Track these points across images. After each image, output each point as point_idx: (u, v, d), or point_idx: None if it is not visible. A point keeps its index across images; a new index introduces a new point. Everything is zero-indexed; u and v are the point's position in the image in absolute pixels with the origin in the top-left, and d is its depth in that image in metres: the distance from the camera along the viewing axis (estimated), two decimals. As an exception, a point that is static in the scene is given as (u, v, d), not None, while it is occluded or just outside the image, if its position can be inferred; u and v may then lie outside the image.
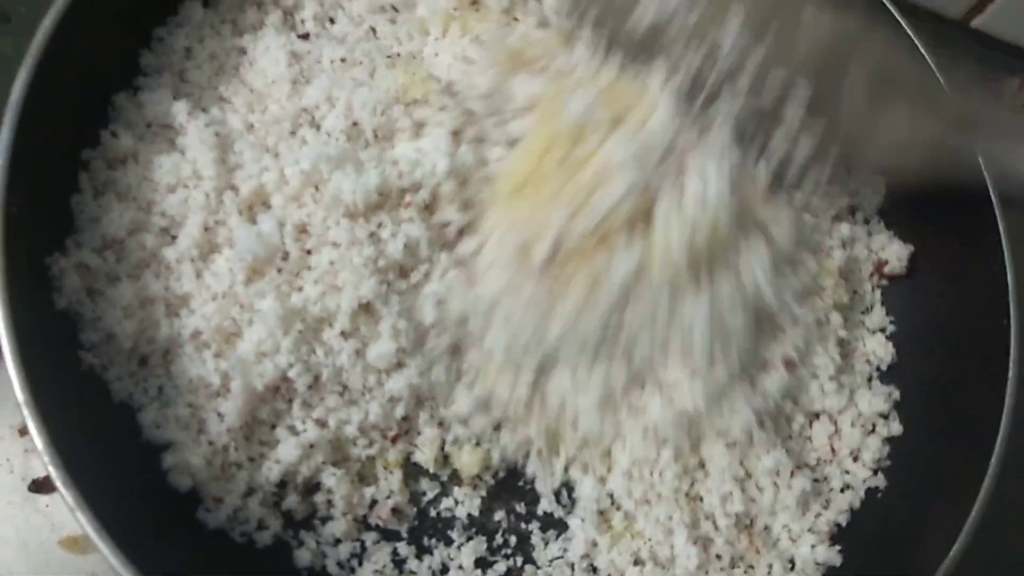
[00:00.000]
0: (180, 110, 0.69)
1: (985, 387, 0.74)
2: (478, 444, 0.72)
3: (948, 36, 1.24)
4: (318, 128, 0.72)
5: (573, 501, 0.74)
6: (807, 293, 0.77)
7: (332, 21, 0.78)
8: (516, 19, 0.79)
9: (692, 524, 0.72)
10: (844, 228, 0.83)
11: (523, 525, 0.73)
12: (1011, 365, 0.72)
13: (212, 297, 0.66)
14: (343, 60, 0.75)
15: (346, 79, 0.73)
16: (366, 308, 0.68)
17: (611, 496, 0.73)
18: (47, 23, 0.62)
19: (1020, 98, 1.30)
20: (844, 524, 0.76)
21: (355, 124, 0.71)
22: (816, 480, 0.77)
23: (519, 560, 0.72)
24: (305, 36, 0.77)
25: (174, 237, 0.67)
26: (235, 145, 0.69)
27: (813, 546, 0.74)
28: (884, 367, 0.82)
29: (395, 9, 0.79)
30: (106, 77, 0.69)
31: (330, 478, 0.68)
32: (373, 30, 0.78)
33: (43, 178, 0.62)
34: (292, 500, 0.68)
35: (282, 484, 0.67)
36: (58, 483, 0.54)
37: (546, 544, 0.73)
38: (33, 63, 0.60)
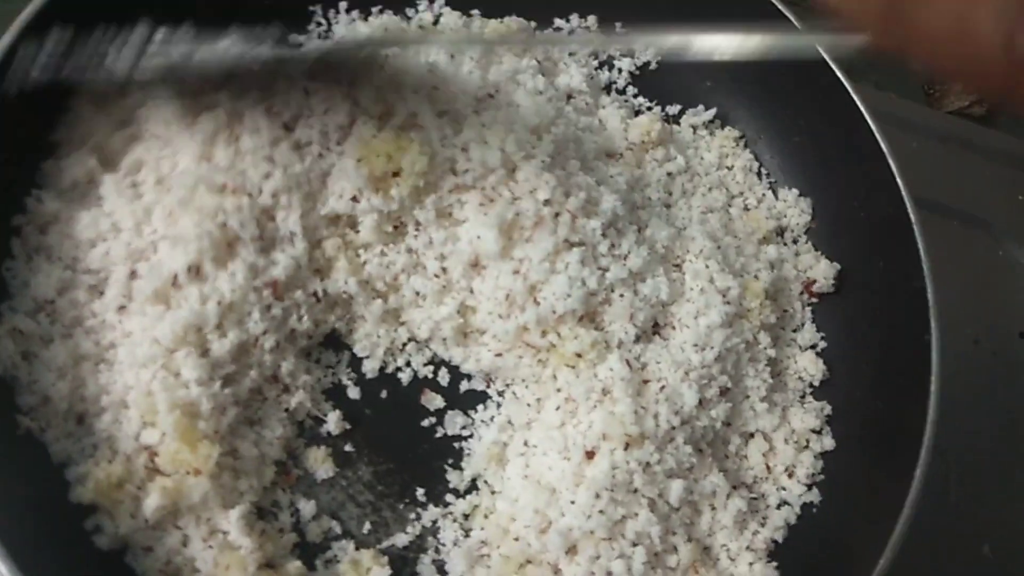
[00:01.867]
0: (97, 168, 0.71)
1: (910, 400, 0.76)
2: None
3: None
4: None
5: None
6: (734, 316, 0.79)
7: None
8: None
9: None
10: (771, 250, 0.85)
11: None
12: (932, 380, 0.75)
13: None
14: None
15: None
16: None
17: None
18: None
19: (960, 102, 1.34)
20: (781, 541, 0.78)
21: None
22: (753, 498, 0.79)
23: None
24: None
25: (102, 293, 0.69)
26: (146, 197, 0.71)
27: (751, 564, 0.76)
28: (816, 383, 0.84)
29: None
30: (33, 145, 0.71)
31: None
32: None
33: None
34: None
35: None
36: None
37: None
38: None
